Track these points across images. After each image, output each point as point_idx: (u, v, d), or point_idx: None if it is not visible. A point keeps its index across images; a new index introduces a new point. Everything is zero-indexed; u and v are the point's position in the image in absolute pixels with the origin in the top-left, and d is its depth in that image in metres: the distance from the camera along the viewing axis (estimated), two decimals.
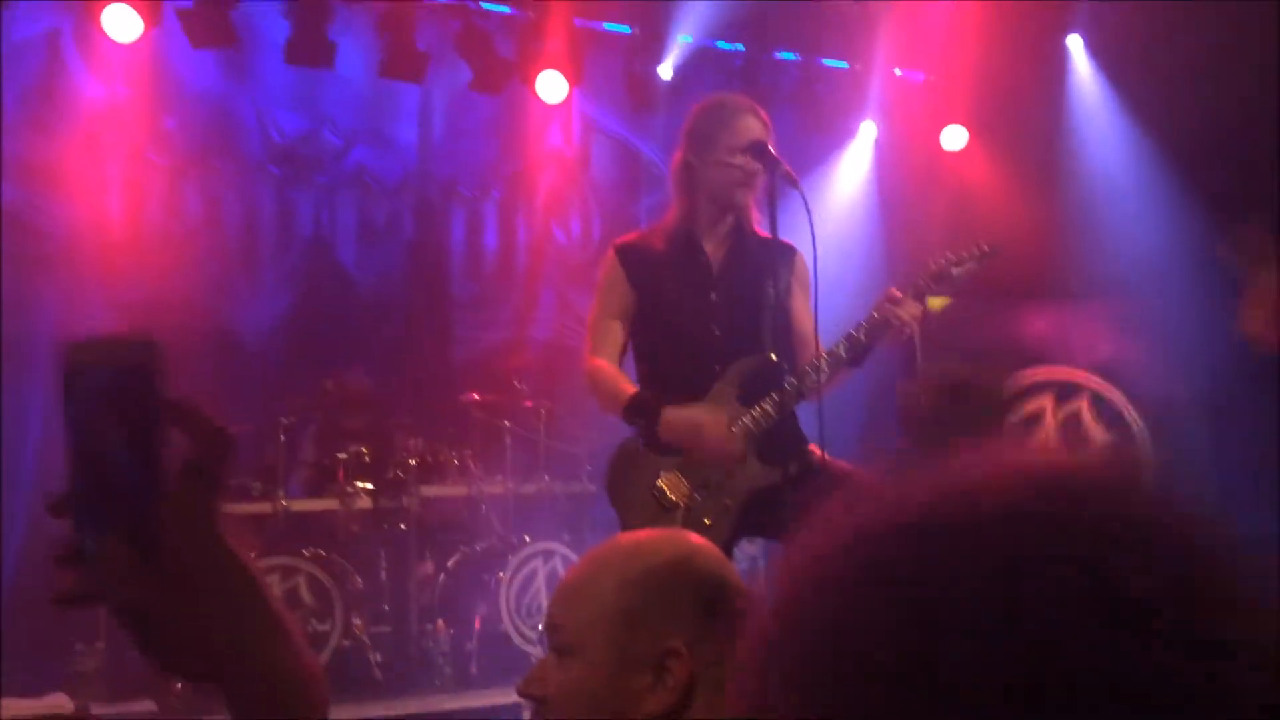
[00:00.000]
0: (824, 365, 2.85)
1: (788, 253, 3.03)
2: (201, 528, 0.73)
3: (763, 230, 3.04)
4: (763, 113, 3.03)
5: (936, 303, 2.95)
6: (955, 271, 2.91)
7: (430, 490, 5.30)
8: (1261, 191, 5.17)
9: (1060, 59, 6.69)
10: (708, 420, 2.84)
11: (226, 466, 0.75)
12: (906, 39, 6.52)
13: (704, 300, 3.00)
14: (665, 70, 6.53)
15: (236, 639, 0.74)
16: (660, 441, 2.90)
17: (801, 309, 3.07)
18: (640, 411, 2.92)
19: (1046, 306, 6.23)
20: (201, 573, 0.73)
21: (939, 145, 6.96)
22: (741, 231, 3.05)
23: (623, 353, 3.08)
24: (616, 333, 3.06)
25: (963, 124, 6.92)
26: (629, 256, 3.07)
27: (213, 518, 0.74)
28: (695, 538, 1.44)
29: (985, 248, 2.95)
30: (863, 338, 2.83)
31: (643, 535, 1.46)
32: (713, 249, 3.05)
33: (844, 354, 2.85)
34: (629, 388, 2.97)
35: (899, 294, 2.83)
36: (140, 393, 0.70)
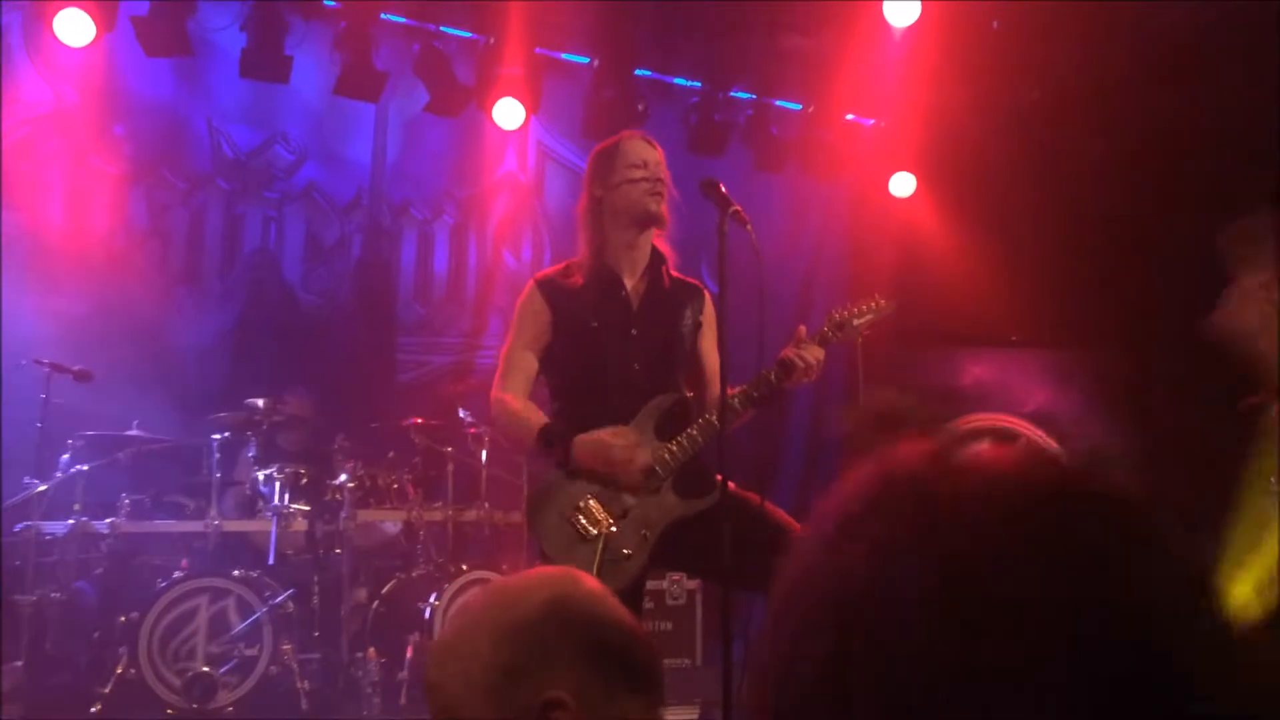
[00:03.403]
0: (737, 404, 2.94)
1: (697, 294, 3.12)
2: None
3: (677, 271, 3.18)
4: (653, 141, 3.15)
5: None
6: (855, 322, 3.10)
7: (367, 514, 5.24)
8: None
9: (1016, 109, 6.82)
10: (615, 439, 2.90)
11: None
12: (859, 83, 6.61)
13: (625, 336, 3.06)
14: (629, 105, 6.55)
15: None
16: (575, 468, 2.94)
17: (709, 348, 3.18)
18: (552, 440, 2.96)
19: (986, 353, 6.34)
20: None
21: (888, 191, 7.07)
22: (658, 269, 3.14)
23: (531, 384, 3.13)
24: (529, 364, 3.11)
25: (911, 170, 7.05)
26: (550, 289, 3.11)
27: None
28: (573, 577, 1.39)
29: (883, 302, 3.15)
30: (773, 379, 2.94)
31: (515, 581, 1.40)
32: (632, 285, 3.11)
33: (755, 394, 2.94)
34: (539, 418, 3.01)
35: (805, 338, 2.96)
36: None
